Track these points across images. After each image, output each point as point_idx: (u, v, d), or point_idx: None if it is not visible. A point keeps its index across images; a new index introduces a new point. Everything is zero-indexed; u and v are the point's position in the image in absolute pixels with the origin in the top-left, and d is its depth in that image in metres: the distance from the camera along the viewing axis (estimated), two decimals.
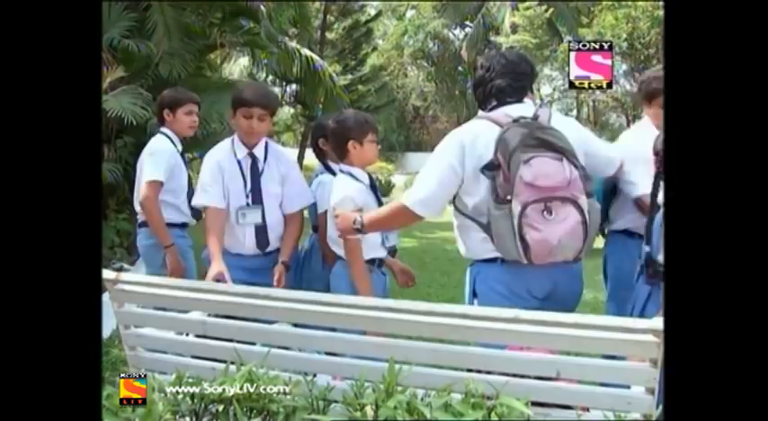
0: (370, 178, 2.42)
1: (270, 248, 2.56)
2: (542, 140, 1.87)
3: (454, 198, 2.01)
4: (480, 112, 2.06)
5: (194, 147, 5.05)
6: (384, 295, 2.33)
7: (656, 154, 2.05)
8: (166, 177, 2.90)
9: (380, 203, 2.36)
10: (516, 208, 1.82)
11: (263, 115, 2.47)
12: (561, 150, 1.88)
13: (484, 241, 1.94)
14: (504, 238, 1.85)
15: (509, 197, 1.83)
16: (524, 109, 1.99)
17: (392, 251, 2.40)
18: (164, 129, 3.06)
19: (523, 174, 1.82)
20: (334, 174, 2.72)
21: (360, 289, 2.24)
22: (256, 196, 2.53)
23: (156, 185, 2.86)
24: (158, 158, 2.91)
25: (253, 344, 1.68)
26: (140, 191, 2.92)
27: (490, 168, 1.88)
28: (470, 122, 2.05)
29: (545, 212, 1.84)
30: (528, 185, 1.82)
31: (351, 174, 2.34)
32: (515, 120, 1.92)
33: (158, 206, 2.86)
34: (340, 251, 2.34)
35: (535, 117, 1.94)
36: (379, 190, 2.48)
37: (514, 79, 2.02)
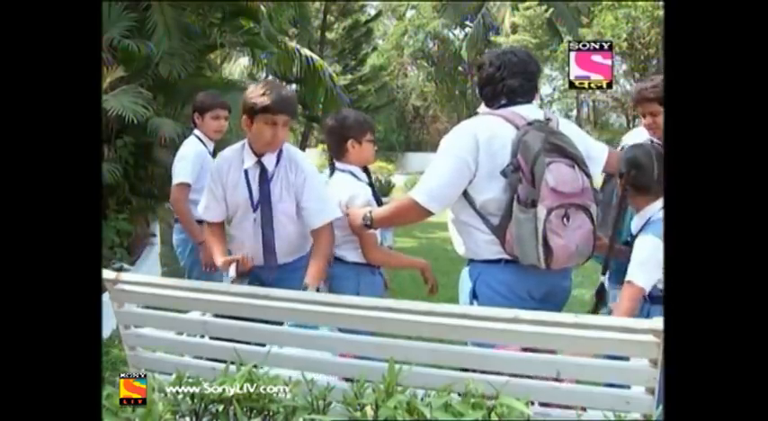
0: (368, 176, 2.43)
1: (280, 262, 2.36)
2: (557, 146, 1.87)
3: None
4: (485, 109, 2.03)
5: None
6: (382, 296, 2.33)
7: (619, 175, 2.03)
8: (194, 179, 3.05)
9: (379, 201, 2.36)
10: (542, 212, 1.81)
11: (287, 121, 2.24)
12: (573, 157, 1.89)
13: (488, 242, 1.93)
14: (526, 242, 1.83)
15: (534, 201, 1.81)
16: (534, 110, 1.99)
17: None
18: (196, 132, 3.24)
19: (548, 179, 1.81)
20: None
21: (403, 265, 2.40)
22: (266, 211, 2.30)
23: (184, 187, 3.03)
24: (186, 162, 3.08)
25: (253, 344, 1.68)
26: (171, 193, 3.09)
27: (511, 170, 1.86)
28: (481, 118, 2.01)
29: (564, 219, 1.84)
30: (552, 191, 1.81)
31: (352, 173, 2.34)
32: (530, 123, 1.91)
33: (188, 207, 3.00)
34: (341, 253, 2.33)
35: (547, 120, 1.95)
36: (378, 189, 2.49)
37: (526, 79, 2.00)
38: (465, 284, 2.03)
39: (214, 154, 3.19)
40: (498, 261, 1.93)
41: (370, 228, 2.14)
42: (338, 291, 2.31)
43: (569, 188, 1.84)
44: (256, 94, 2.20)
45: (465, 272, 2.06)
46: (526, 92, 2.00)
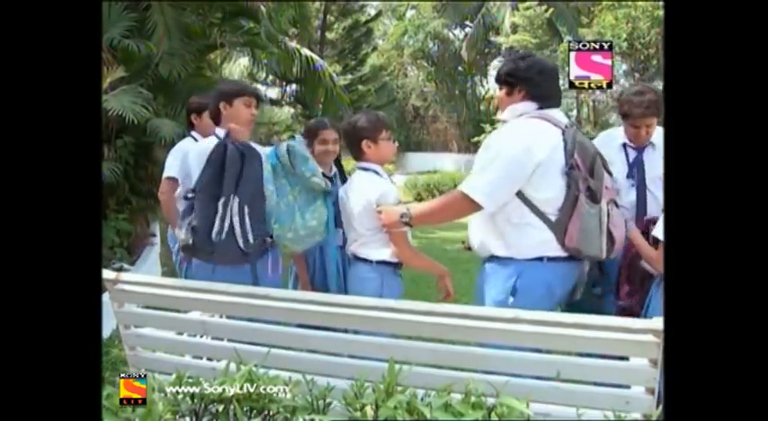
0: (388, 176, 2.42)
1: None
2: (594, 147, 2.09)
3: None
4: (530, 110, 2.08)
5: None
6: (400, 297, 2.31)
7: None
8: (182, 175, 3.03)
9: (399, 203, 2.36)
10: (604, 207, 2.01)
11: (257, 105, 2.61)
12: (602, 157, 2.08)
13: (544, 239, 2.00)
14: (592, 235, 1.99)
15: (597, 196, 2.00)
16: (562, 114, 2.12)
17: None
18: (192, 133, 3.24)
19: (604, 177, 2.03)
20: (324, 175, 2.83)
21: (427, 267, 2.35)
22: None
23: (170, 181, 3.05)
24: (174, 157, 3.10)
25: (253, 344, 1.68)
26: (160, 187, 3.14)
27: (570, 168, 1.98)
28: (529, 120, 2.07)
29: (612, 212, 2.05)
30: (605, 187, 2.03)
31: (375, 172, 2.35)
32: (567, 126, 2.04)
33: (173, 200, 3.02)
34: (365, 252, 2.31)
35: (574, 124, 2.10)
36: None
37: (557, 84, 2.16)
38: (495, 282, 2.06)
39: None
40: (541, 259, 2.01)
41: (408, 226, 2.17)
42: (360, 291, 2.29)
43: (610, 185, 2.07)
44: (229, 83, 2.79)
45: (495, 271, 2.08)
46: (558, 96, 2.15)
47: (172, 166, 3.07)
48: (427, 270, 2.43)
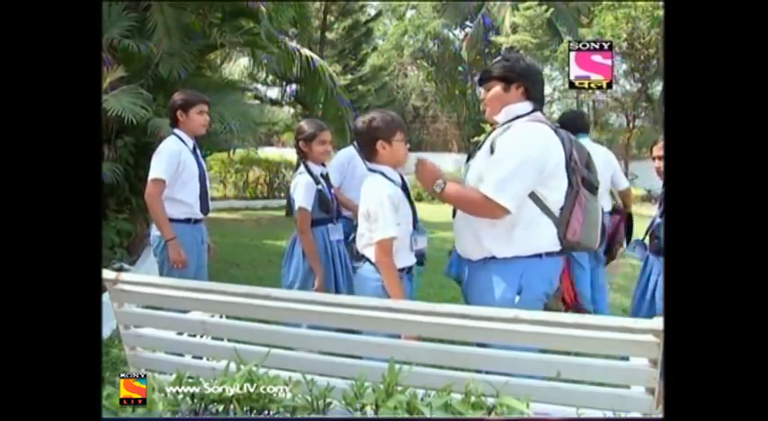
0: (402, 178, 2.37)
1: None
2: None
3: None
4: (527, 110, 2.11)
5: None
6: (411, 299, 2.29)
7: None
8: (169, 175, 3.06)
9: (412, 204, 2.33)
10: (599, 202, 2.11)
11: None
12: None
13: (551, 235, 2.04)
14: (593, 228, 2.08)
15: (596, 189, 2.10)
16: None
17: (420, 255, 2.35)
18: (176, 131, 3.23)
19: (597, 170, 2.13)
20: (311, 174, 3.02)
21: (393, 296, 2.17)
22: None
23: (157, 183, 3.05)
24: (161, 158, 3.10)
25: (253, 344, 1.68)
26: (146, 188, 3.10)
27: (574, 164, 2.04)
28: (533, 124, 2.08)
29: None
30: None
31: (383, 174, 2.30)
32: (556, 127, 2.12)
33: (161, 202, 3.04)
34: (369, 253, 2.29)
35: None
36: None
37: None
38: (499, 283, 2.06)
39: (195, 150, 3.23)
40: (539, 255, 2.05)
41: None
42: (361, 290, 2.28)
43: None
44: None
45: (498, 272, 2.07)
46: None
47: (159, 167, 3.04)
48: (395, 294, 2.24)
